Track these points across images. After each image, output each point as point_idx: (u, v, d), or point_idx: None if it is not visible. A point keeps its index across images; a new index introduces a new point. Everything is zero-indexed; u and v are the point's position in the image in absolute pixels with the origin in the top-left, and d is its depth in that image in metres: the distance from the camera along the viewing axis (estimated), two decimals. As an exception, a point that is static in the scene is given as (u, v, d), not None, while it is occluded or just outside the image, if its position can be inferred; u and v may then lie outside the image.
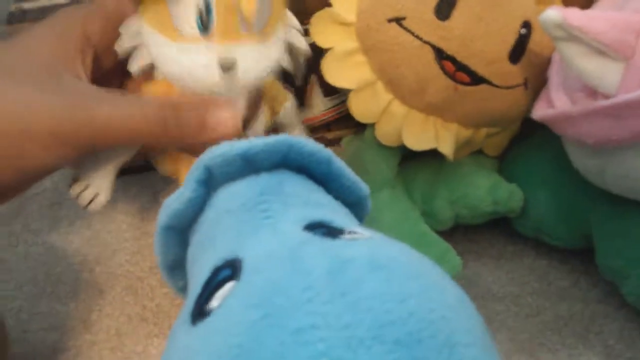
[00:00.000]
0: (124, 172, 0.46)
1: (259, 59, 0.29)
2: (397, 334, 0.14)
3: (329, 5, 0.33)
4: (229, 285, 0.17)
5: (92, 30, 0.30)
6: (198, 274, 0.20)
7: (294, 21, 0.31)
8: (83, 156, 0.29)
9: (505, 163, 0.38)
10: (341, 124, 0.41)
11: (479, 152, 0.37)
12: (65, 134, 0.27)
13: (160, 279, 0.39)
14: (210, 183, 0.22)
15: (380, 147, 0.35)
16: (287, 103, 0.34)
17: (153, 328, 0.37)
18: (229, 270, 0.18)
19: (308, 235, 0.18)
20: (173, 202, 0.22)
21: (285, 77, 0.33)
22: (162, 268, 0.25)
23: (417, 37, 0.31)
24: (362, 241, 0.18)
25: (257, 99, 0.31)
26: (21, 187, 0.30)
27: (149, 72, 0.30)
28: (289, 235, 0.19)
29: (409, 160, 0.38)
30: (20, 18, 0.40)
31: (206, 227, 0.22)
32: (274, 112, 0.34)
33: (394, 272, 0.16)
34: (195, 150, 0.30)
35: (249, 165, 0.22)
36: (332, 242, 0.18)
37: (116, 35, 0.30)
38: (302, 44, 0.31)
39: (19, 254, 0.42)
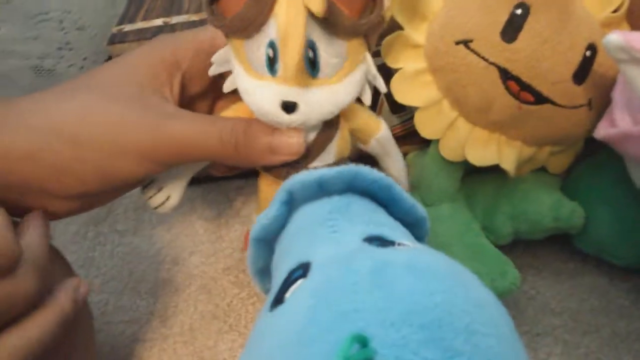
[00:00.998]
0: (202, 181, 0.49)
1: (323, 102, 0.29)
2: (422, 319, 0.17)
3: (401, 28, 0.34)
4: (299, 282, 0.21)
5: (183, 57, 0.32)
6: (279, 275, 0.23)
7: (373, 68, 0.30)
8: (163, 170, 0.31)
9: (567, 181, 0.38)
10: (407, 140, 0.42)
11: (542, 169, 0.37)
12: (147, 151, 0.29)
13: (232, 280, 0.41)
14: (292, 204, 0.26)
15: (444, 161, 0.36)
16: (379, 135, 0.34)
17: (223, 325, 0.39)
18: (301, 271, 0.22)
19: (364, 245, 0.22)
20: (262, 219, 0.26)
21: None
22: (252, 273, 0.29)
23: (483, 58, 0.32)
24: (405, 249, 0.21)
25: (327, 131, 0.31)
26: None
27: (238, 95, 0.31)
28: (348, 245, 0.23)
29: (472, 175, 0.38)
30: (121, 39, 0.42)
31: (287, 239, 0.26)
32: (363, 143, 0.34)
33: (426, 272, 0.19)
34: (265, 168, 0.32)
35: (322, 190, 0.26)
36: (381, 249, 0.21)
37: (206, 63, 0.31)
38: (381, 87, 0.31)
39: (106, 252, 0.45)
